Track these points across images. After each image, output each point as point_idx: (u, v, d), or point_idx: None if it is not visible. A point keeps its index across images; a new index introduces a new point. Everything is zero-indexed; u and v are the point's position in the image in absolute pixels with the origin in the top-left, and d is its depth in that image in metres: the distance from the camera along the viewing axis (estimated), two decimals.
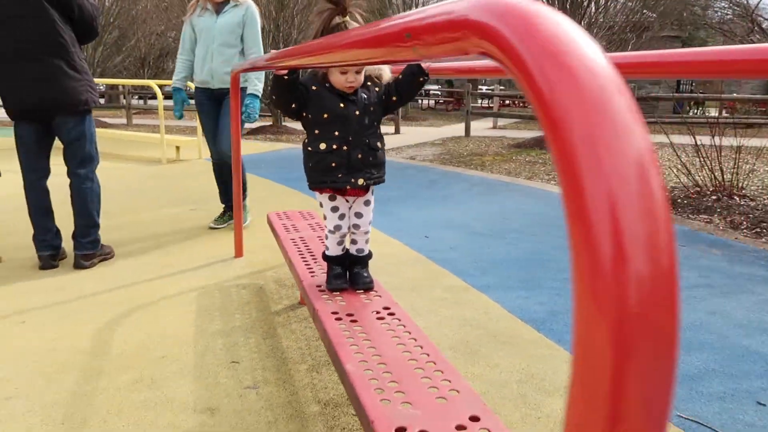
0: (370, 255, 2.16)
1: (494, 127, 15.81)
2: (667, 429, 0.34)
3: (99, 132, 9.48)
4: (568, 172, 0.34)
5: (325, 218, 2.14)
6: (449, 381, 1.44)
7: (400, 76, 2.06)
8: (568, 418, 0.35)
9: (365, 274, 2.10)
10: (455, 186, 6.18)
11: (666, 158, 7.71)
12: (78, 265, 3.29)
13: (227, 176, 3.93)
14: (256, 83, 3.91)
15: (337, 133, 1.99)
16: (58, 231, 3.36)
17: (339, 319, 1.81)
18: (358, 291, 2.06)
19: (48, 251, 3.29)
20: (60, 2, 3.08)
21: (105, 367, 2.17)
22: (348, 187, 2.02)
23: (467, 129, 12.95)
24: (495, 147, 10.38)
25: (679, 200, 5.34)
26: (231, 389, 2.02)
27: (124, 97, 16.26)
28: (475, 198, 5.53)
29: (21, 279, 3.13)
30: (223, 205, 4.34)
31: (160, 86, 7.97)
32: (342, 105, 1.98)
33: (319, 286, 2.11)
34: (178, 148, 7.74)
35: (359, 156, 2.00)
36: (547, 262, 3.50)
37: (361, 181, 2.02)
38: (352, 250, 2.15)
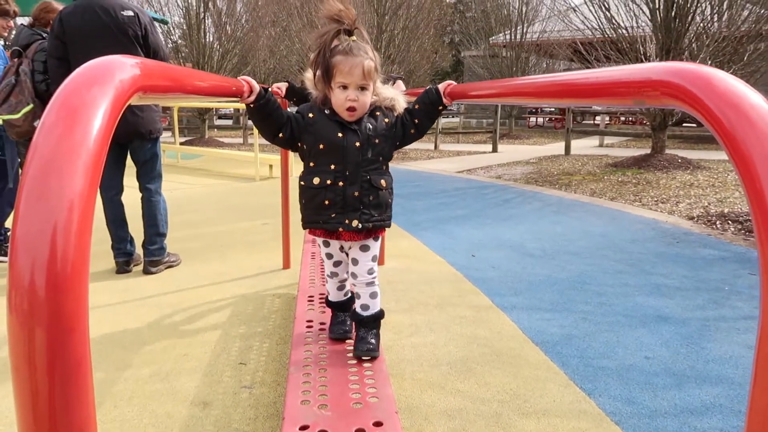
0: (379, 315, 1.89)
1: (600, 146, 15.18)
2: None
3: (205, 151, 10.46)
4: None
5: (323, 261, 1.94)
6: (375, 389, 1.53)
7: (417, 106, 1.83)
8: None
9: (371, 340, 1.83)
10: (526, 206, 6.09)
11: None
12: (146, 271, 3.70)
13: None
14: None
15: (333, 166, 1.74)
16: (132, 240, 3.80)
17: (310, 326, 1.95)
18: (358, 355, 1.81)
19: (122, 258, 3.73)
20: (145, 43, 3.49)
21: (134, 360, 2.47)
22: (341, 229, 1.78)
23: (567, 147, 12.58)
24: (591, 166, 9.99)
25: None
26: (229, 387, 2.22)
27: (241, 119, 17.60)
28: (543, 218, 5.42)
29: (97, 280, 3.57)
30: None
31: None
32: (340, 134, 1.73)
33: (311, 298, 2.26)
34: (271, 166, 8.28)
35: (356, 194, 1.75)
36: (586, 285, 3.40)
37: (355, 223, 1.76)
38: (357, 305, 1.91)
